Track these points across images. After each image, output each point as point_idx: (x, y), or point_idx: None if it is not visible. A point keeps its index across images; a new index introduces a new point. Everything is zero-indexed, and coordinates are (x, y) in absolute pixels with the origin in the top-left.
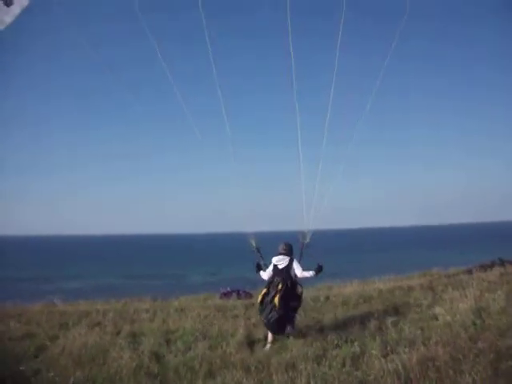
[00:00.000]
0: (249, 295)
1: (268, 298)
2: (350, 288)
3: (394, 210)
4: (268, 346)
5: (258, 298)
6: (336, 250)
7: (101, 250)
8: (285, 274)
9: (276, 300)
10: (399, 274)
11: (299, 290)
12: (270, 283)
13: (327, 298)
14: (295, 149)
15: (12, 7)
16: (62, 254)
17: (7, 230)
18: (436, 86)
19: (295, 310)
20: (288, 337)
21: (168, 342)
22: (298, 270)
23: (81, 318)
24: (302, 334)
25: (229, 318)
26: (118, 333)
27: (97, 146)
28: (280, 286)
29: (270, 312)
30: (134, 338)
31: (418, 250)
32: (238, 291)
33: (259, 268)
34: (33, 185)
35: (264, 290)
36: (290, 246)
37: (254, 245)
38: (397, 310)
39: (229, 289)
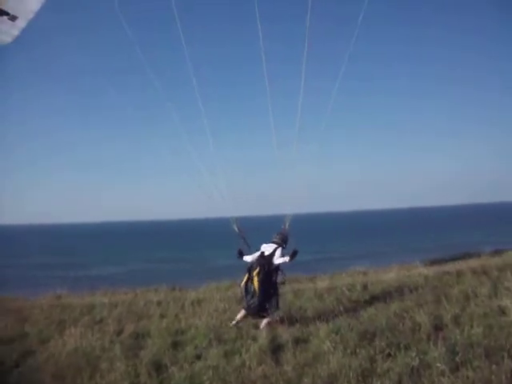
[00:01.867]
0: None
1: (249, 283)
2: (390, 274)
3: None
4: (233, 323)
5: (241, 283)
6: (353, 232)
7: (120, 235)
8: (267, 260)
9: (255, 285)
10: (438, 256)
11: (279, 277)
12: (250, 268)
13: (364, 286)
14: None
15: (17, 21)
16: (86, 241)
17: (30, 219)
18: (426, 73)
19: (272, 296)
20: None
21: (176, 345)
22: (275, 257)
23: (83, 314)
24: (341, 338)
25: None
26: (120, 333)
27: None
28: (257, 271)
29: (252, 298)
30: (137, 339)
31: (443, 231)
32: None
33: (241, 253)
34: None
35: (246, 276)
36: (284, 236)
37: (236, 230)
38: (452, 302)
39: None
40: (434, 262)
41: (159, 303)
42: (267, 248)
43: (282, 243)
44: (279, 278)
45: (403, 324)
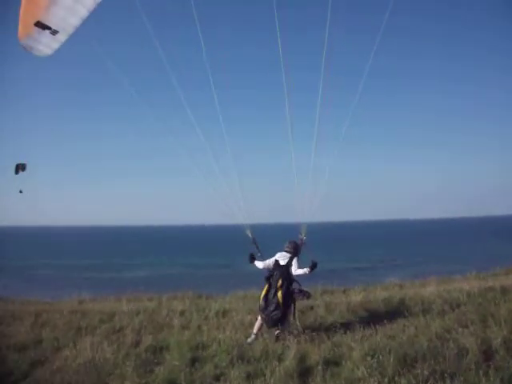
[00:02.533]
0: (306, 295)
1: (271, 295)
2: (428, 288)
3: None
4: (253, 337)
5: (260, 294)
6: (386, 241)
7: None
8: (285, 270)
9: (279, 296)
10: (477, 268)
11: (296, 286)
12: (270, 277)
13: (402, 301)
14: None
15: (58, 35)
16: (125, 244)
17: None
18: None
19: (290, 307)
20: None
21: (194, 362)
22: (294, 268)
23: (103, 322)
24: (378, 363)
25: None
26: (138, 344)
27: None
28: (280, 282)
29: (275, 310)
30: (154, 354)
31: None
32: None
33: (253, 258)
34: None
35: (266, 287)
36: (296, 244)
37: (250, 236)
38: (499, 323)
39: None
40: (475, 276)
41: (182, 313)
42: (281, 257)
43: (295, 252)
44: (295, 287)
45: (447, 348)
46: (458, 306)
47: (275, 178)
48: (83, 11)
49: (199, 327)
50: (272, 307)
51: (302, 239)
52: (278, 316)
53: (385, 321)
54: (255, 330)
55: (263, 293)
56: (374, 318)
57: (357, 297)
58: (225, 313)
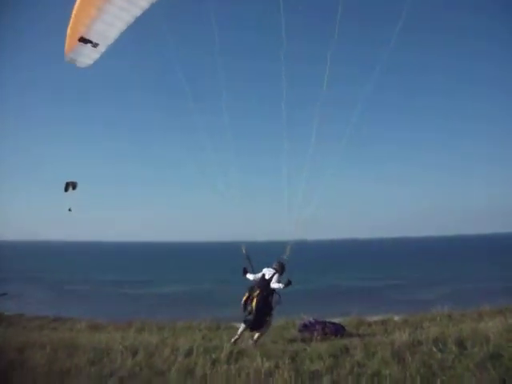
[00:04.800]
0: (341, 330)
1: (249, 301)
2: (487, 322)
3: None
4: (236, 337)
5: (242, 300)
6: (423, 258)
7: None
8: (266, 283)
9: (253, 305)
10: None
11: (274, 299)
12: (252, 288)
13: (459, 342)
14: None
15: (98, 47)
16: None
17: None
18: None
19: (267, 315)
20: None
21: None
22: (272, 282)
23: (92, 363)
24: None
25: (305, 380)
26: None
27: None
28: (257, 292)
29: (249, 314)
30: None
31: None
32: (325, 323)
33: (245, 271)
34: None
35: (246, 294)
36: (282, 264)
37: (244, 252)
38: None
39: (312, 319)
40: None
41: (188, 354)
42: (267, 272)
43: (280, 270)
44: (274, 300)
45: None
46: None
47: (275, 198)
48: (122, 25)
49: (203, 378)
50: (247, 312)
51: (284, 259)
52: (252, 320)
53: (441, 372)
54: (239, 332)
55: (243, 299)
56: (427, 367)
57: (401, 334)
58: (240, 355)
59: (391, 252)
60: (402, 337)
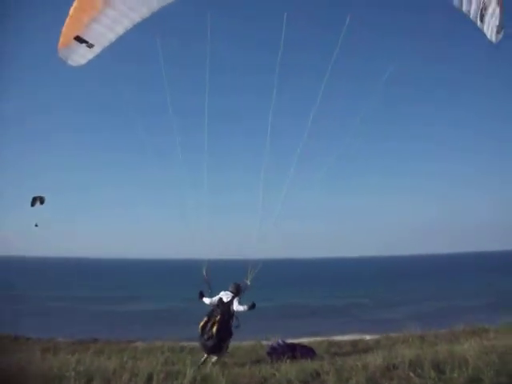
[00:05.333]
0: (311, 354)
1: (208, 327)
2: (462, 344)
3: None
4: (202, 359)
5: (200, 324)
6: (384, 278)
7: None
8: (226, 307)
9: (214, 330)
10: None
11: (235, 322)
12: (211, 313)
13: (436, 366)
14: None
15: (93, 48)
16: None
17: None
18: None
19: (227, 339)
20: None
21: None
22: (235, 305)
23: None
24: None
25: None
26: None
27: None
28: (218, 318)
29: (208, 339)
30: None
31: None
32: (295, 347)
33: (201, 295)
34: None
35: (205, 319)
36: (238, 286)
37: (204, 274)
38: None
39: (280, 341)
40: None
41: (149, 380)
42: (225, 296)
43: (237, 293)
44: (234, 323)
45: None
46: (510, 374)
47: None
48: (120, 30)
49: None
50: (206, 337)
51: (246, 283)
52: (211, 345)
53: None
54: (204, 357)
55: (201, 324)
56: None
57: (375, 357)
58: (203, 382)
59: (359, 270)
60: (376, 360)
